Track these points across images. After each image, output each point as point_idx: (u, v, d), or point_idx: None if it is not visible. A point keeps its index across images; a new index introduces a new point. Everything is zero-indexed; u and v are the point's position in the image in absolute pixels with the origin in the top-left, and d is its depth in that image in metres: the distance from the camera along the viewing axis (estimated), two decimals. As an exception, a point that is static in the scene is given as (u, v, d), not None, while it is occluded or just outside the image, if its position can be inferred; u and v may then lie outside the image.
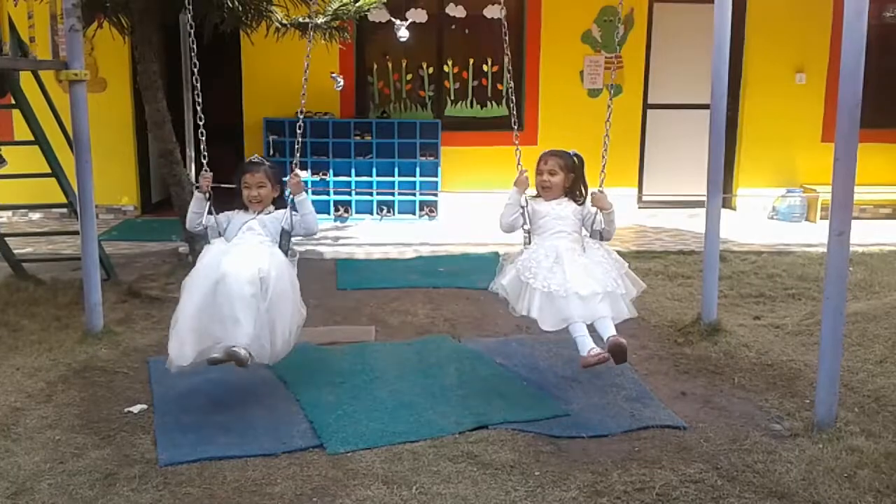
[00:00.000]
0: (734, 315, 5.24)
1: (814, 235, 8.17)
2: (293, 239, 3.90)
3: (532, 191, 3.92)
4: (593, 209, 3.78)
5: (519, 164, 3.91)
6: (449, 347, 4.69)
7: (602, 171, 3.82)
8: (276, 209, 3.90)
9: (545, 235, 3.75)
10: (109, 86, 8.73)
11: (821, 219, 8.92)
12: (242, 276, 3.50)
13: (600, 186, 3.79)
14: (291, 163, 4.00)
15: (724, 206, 5.26)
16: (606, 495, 2.99)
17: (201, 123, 3.97)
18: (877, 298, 5.45)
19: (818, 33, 9.03)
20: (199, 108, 3.95)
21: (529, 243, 3.80)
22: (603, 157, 3.85)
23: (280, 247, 3.80)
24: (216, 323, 3.48)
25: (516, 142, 4.00)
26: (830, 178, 3.36)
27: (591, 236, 3.80)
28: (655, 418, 3.67)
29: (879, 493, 2.98)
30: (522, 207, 3.81)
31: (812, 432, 3.45)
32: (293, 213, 3.87)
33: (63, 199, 5.81)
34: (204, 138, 4.00)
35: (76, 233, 4.90)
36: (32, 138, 5.56)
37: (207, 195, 3.86)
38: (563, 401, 3.87)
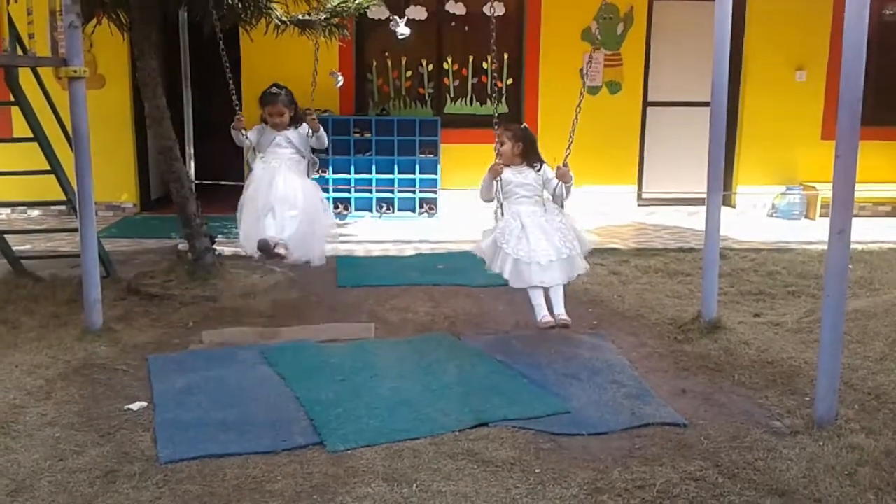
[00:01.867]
0: (734, 312, 5.23)
1: (813, 233, 8.17)
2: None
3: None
4: (554, 179, 4.51)
5: (497, 150, 4.62)
6: (449, 345, 4.69)
7: (567, 150, 4.47)
8: (294, 125, 5.04)
9: (511, 199, 4.54)
10: (108, 83, 8.69)
11: (820, 216, 8.92)
12: (287, 210, 4.72)
13: (564, 162, 4.44)
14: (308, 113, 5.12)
15: (723, 204, 5.26)
16: (607, 492, 2.99)
17: (234, 94, 5.18)
18: (877, 296, 5.45)
19: (818, 31, 9.02)
20: (228, 77, 5.09)
21: (502, 215, 4.54)
22: (570, 137, 4.47)
23: (306, 159, 5.08)
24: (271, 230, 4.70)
25: (496, 129, 4.66)
26: (830, 176, 3.36)
27: (553, 200, 4.56)
28: (656, 416, 3.67)
29: (880, 490, 2.98)
30: (496, 182, 4.59)
31: (812, 430, 3.45)
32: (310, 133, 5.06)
33: (62, 196, 5.80)
34: (240, 100, 5.14)
35: (75, 230, 4.89)
36: (31, 135, 5.54)
37: (242, 131, 5.01)
38: (563, 398, 3.88)
